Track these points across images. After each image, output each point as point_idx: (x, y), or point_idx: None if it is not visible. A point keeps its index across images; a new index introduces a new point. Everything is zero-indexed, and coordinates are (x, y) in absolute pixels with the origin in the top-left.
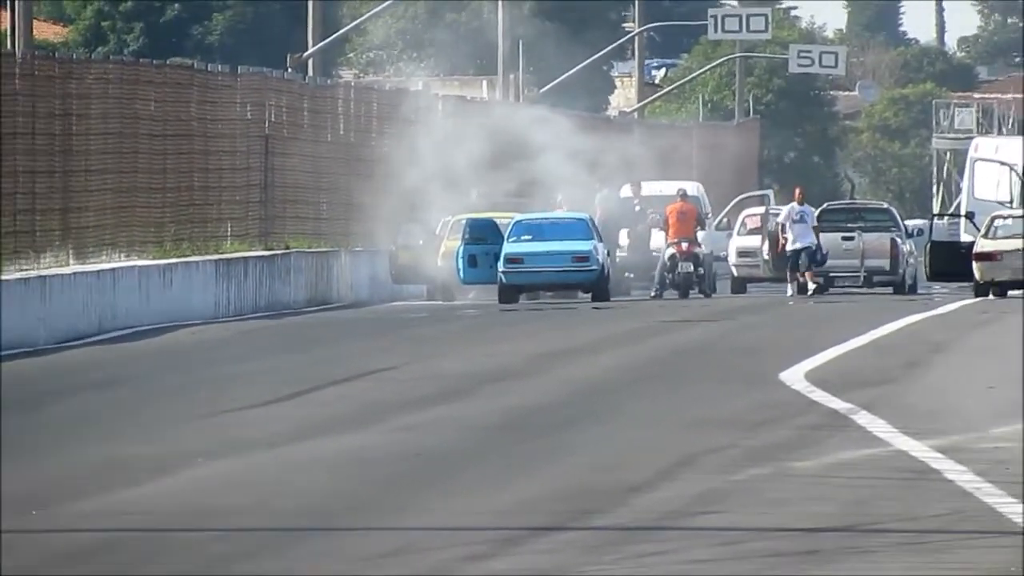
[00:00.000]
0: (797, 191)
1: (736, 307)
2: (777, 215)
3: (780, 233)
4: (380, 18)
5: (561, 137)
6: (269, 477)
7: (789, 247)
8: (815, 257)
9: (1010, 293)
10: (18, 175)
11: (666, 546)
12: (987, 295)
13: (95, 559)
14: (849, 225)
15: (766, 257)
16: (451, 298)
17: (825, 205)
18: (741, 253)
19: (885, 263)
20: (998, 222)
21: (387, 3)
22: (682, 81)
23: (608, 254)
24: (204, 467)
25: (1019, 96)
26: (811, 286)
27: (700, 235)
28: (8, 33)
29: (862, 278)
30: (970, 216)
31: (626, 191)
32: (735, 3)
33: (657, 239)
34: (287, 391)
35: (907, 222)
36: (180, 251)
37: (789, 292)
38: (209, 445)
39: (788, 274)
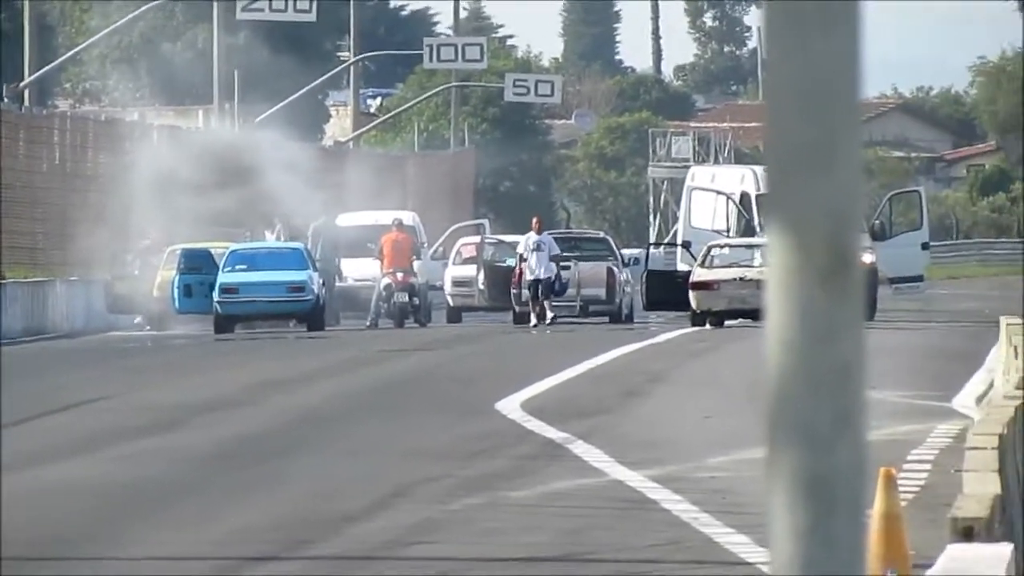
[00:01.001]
0: (535, 221)
1: (452, 336)
2: (494, 244)
3: (520, 263)
4: (95, 48)
5: (276, 166)
6: None
7: (529, 277)
8: (554, 287)
9: (727, 323)
10: None
11: (380, 575)
12: (704, 324)
13: None
14: (565, 254)
15: (481, 287)
16: (166, 328)
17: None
18: (456, 283)
19: (601, 292)
20: (715, 251)
21: (101, 34)
22: (397, 110)
23: (324, 283)
24: None
25: (735, 125)
26: (549, 315)
27: (416, 264)
28: None
29: (578, 307)
30: (687, 245)
31: (345, 219)
32: (451, 33)
33: (370, 268)
34: (5, 420)
35: (623, 251)
36: None
37: (533, 322)
38: None
39: (531, 304)
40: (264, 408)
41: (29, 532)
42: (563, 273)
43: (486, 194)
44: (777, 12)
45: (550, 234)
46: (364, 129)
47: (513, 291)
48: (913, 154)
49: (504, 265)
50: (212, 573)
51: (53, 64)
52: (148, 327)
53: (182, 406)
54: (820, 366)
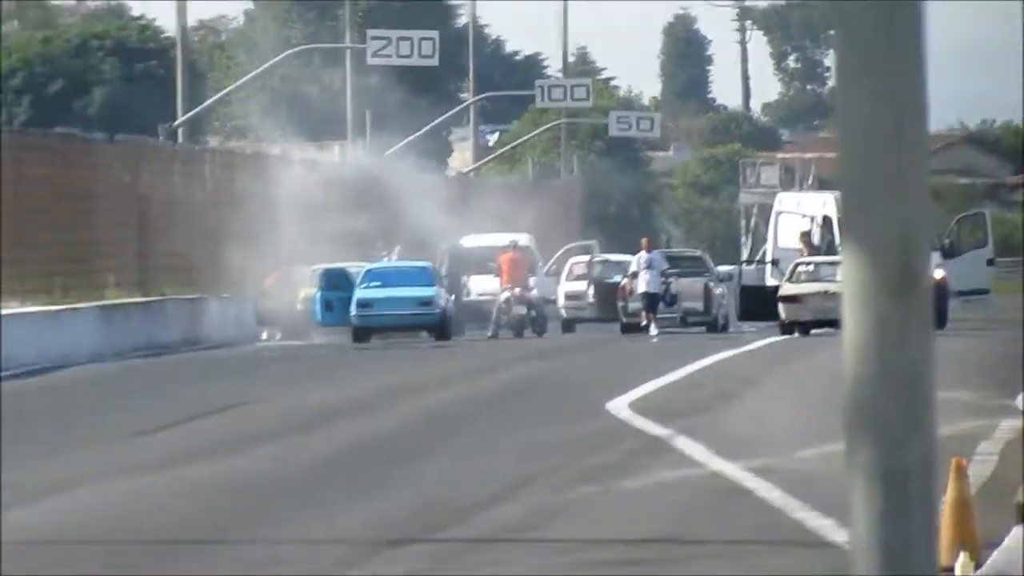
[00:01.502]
0: (645, 241)
1: (565, 345)
2: (602, 262)
3: (631, 278)
4: (242, 90)
5: (406, 194)
6: (149, 500)
7: (640, 290)
8: (664, 299)
9: (812, 331)
10: None
11: (506, 556)
12: (791, 333)
13: None
14: (670, 270)
15: (591, 300)
16: (308, 339)
17: None
18: (569, 296)
19: (699, 304)
20: (800, 268)
21: (246, 78)
22: (513, 144)
23: (450, 298)
24: (91, 490)
25: (819, 155)
26: (655, 328)
27: (532, 281)
28: None
29: (679, 319)
30: (775, 263)
31: (469, 241)
32: (560, 75)
33: (491, 284)
34: (163, 423)
35: (718, 268)
36: (67, 298)
37: (653, 331)
38: (95, 471)
39: (645, 314)
40: (397, 410)
41: (186, 522)
42: (671, 286)
43: (594, 218)
44: (847, 56)
45: (654, 252)
46: (483, 161)
47: (620, 304)
48: (978, 180)
49: (612, 281)
50: (353, 556)
51: (204, 105)
52: (277, 338)
53: (324, 409)
54: (892, 370)
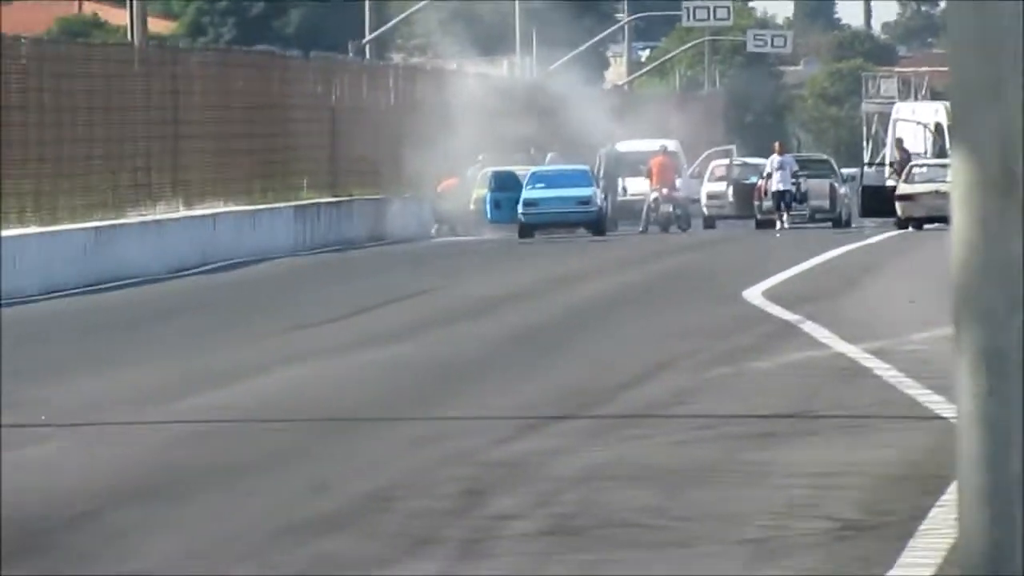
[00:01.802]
0: (777, 145)
1: (707, 240)
2: (740, 165)
3: (766, 179)
4: (421, 12)
5: (569, 104)
6: (337, 377)
7: (772, 189)
8: (795, 197)
9: (925, 227)
10: (137, 141)
11: (650, 431)
12: (907, 228)
13: (193, 445)
14: (799, 172)
15: (731, 199)
16: (480, 235)
17: None
18: (711, 196)
19: (826, 203)
20: (915, 170)
21: (426, 0)
22: (662, 59)
23: (606, 197)
24: (285, 371)
25: (932, 69)
26: (785, 223)
27: (678, 182)
28: (129, 26)
29: (807, 215)
30: (893, 165)
31: (623, 146)
32: None
33: (642, 185)
34: (349, 311)
35: (843, 170)
36: (265, 198)
37: (778, 226)
38: (293, 352)
39: (776, 211)
40: (557, 299)
41: (368, 400)
42: (800, 185)
43: (733, 125)
44: None
45: (786, 155)
46: (636, 75)
47: (756, 203)
48: None
49: (748, 182)
50: (512, 432)
51: (389, 24)
52: (454, 234)
53: (492, 298)
54: (993, 259)
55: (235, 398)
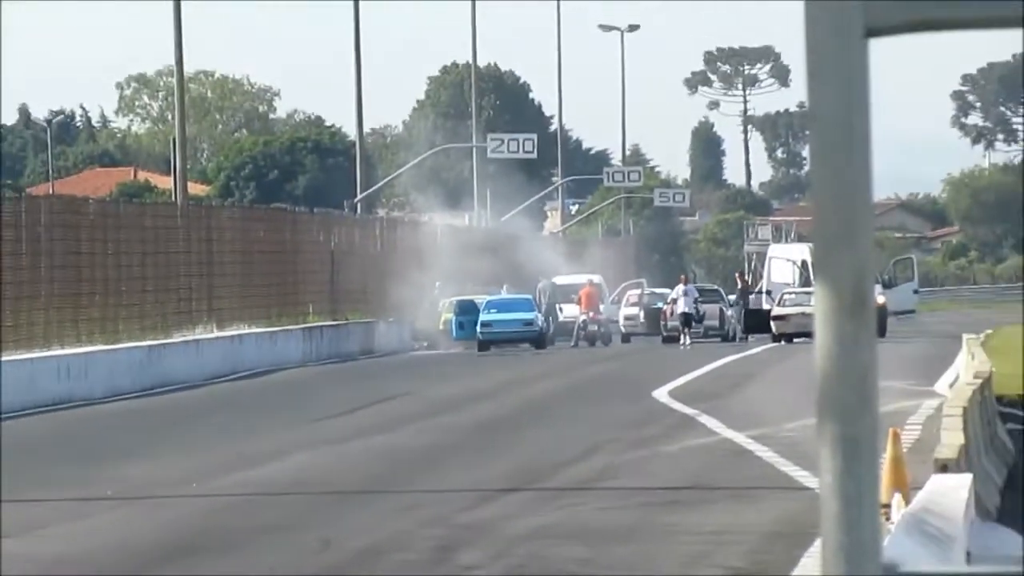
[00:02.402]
0: (683, 276)
1: (624, 352)
2: (649, 294)
3: (671, 304)
4: (402, 177)
5: (515, 247)
6: (339, 460)
7: (679, 311)
8: (697, 319)
9: (795, 340)
10: (180, 277)
11: (583, 500)
12: (780, 342)
13: (228, 513)
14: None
15: (642, 320)
16: (448, 349)
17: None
18: (627, 318)
19: (716, 323)
20: (786, 296)
21: (405, 168)
22: (588, 212)
23: (546, 319)
24: (300, 456)
25: (798, 218)
26: (688, 339)
27: (601, 307)
28: (173, 189)
29: (703, 332)
30: (768, 293)
31: (559, 279)
32: (620, 163)
33: (574, 310)
34: (348, 408)
35: (729, 297)
36: (280, 322)
37: (685, 341)
38: (305, 441)
39: (681, 329)
40: (508, 398)
41: (365, 477)
42: (700, 309)
43: (643, 263)
44: (817, 149)
45: (689, 285)
46: (568, 224)
47: (662, 322)
48: (908, 235)
49: (656, 307)
50: (475, 501)
51: (375, 187)
52: (427, 348)
53: (456, 397)
54: (850, 367)
55: (259, 476)
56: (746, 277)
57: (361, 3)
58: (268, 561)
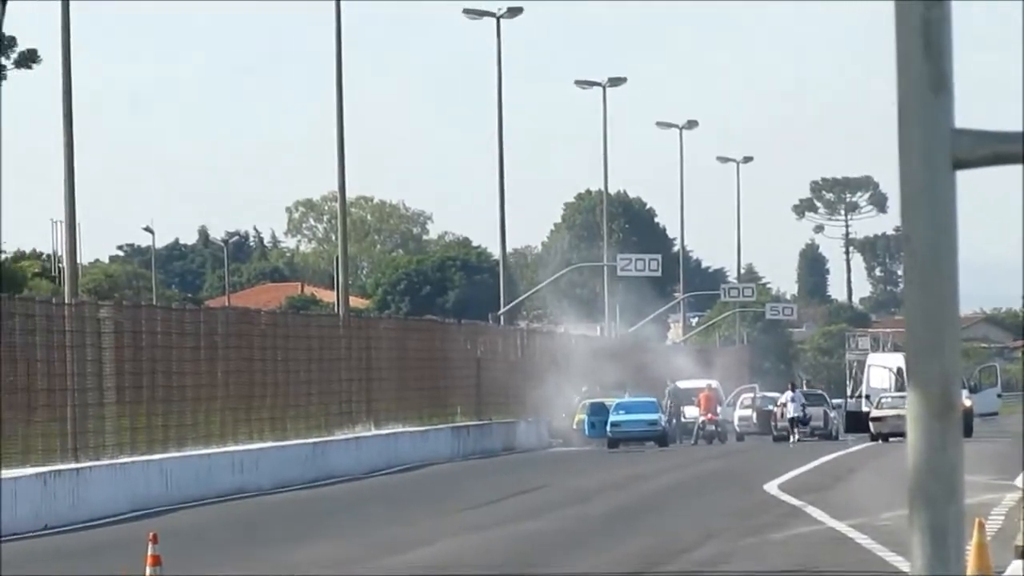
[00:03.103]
0: (791, 384)
1: (738, 449)
2: (761, 397)
3: (782, 407)
4: (540, 291)
5: (642, 355)
6: (484, 545)
7: (789, 415)
8: (804, 420)
9: (890, 439)
10: (342, 382)
11: None
12: (878, 441)
13: None
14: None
15: (755, 421)
16: (581, 446)
17: None
18: (741, 419)
19: (821, 423)
20: (883, 399)
21: (543, 284)
22: (707, 324)
23: (670, 420)
24: (450, 540)
25: (894, 330)
26: (796, 437)
27: (718, 409)
28: (336, 303)
29: (809, 432)
30: (868, 397)
31: (681, 384)
32: (735, 281)
33: (694, 411)
34: (492, 499)
35: (833, 400)
36: (431, 421)
37: (792, 439)
38: (453, 528)
39: (790, 429)
40: (636, 489)
41: (514, 560)
42: (806, 412)
43: (756, 370)
44: (910, 271)
45: (797, 391)
46: (688, 335)
47: (773, 423)
48: (992, 344)
49: (767, 409)
50: None
51: (516, 300)
52: (562, 445)
53: (588, 489)
54: (938, 466)
55: (412, 559)
56: (846, 384)
57: (505, 138)
58: None
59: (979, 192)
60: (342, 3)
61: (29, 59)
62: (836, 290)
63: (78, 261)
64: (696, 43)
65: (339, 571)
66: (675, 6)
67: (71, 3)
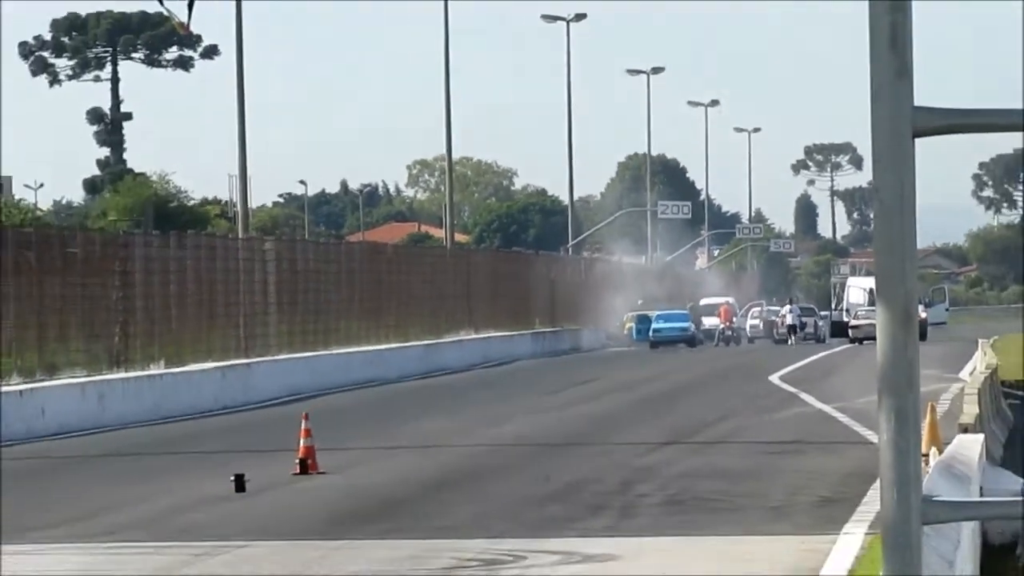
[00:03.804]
0: (789, 300)
1: (749, 350)
2: (766, 310)
3: (782, 318)
4: (600, 230)
5: (676, 277)
6: (556, 422)
7: (787, 323)
8: (799, 328)
9: (864, 343)
10: (447, 299)
11: (722, 450)
12: (855, 344)
13: (482, 457)
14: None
15: (761, 328)
16: (629, 347)
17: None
18: (751, 326)
19: (812, 330)
20: (859, 312)
21: (601, 224)
22: (726, 255)
23: (696, 327)
24: (527, 418)
25: (867, 260)
26: (793, 340)
27: (734, 319)
28: (445, 238)
29: (803, 337)
30: (847, 310)
31: (704, 300)
32: (747, 222)
33: (715, 320)
34: (560, 388)
35: (821, 312)
36: (516, 328)
37: (790, 342)
38: (533, 409)
39: (788, 334)
40: (671, 379)
41: (574, 433)
42: (801, 321)
43: (762, 290)
44: (878, 209)
45: (794, 304)
46: (711, 263)
47: (775, 330)
48: (942, 271)
49: (771, 319)
50: (646, 451)
51: (581, 237)
52: (615, 347)
53: (636, 379)
54: (900, 362)
55: (502, 432)
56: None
57: (573, 109)
58: (506, 491)
59: (936, 152)
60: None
61: (211, 52)
62: (824, 229)
63: (248, 206)
64: (727, 38)
65: (448, 441)
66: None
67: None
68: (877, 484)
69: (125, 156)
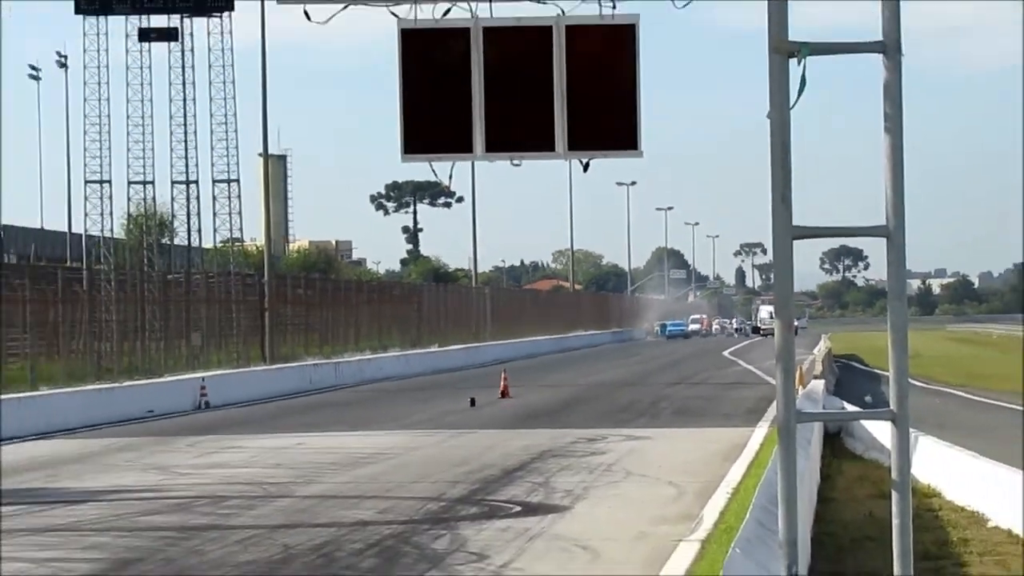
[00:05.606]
0: (733, 316)
1: (715, 341)
2: (726, 321)
3: (730, 324)
4: (642, 282)
5: (677, 305)
6: (609, 377)
7: (733, 328)
8: (738, 330)
9: (768, 336)
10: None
11: (696, 386)
12: (764, 337)
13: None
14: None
15: (720, 330)
16: (656, 339)
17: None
18: (715, 330)
19: (743, 330)
20: (765, 321)
21: (642, 282)
22: (703, 296)
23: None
24: (588, 378)
25: (770, 297)
26: (736, 336)
27: (712, 326)
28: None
29: (740, 334)
30: (760, 320)
31: (693, 316)
32: (712, 280)
33: (698, 326)
34: (621, 360)
35: (747, 322)
36: (604, 328)
37: (734, 337)
38: (592, 372)
39: (733, 333)
40: (675, 354)
41: (618, 380)
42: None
43: (720, 311)
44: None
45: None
46: (696, 298)
47: (726, 331)
48: (803, 302)
49: (725, 325)
50: (663, 388)
51: (635, 286)
52: (649, 338)
53: (659, 355)
54: (786, 345)
55: (597, 379)
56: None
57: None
58: (599, 405)
59: (801, 245)
60: None
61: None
62: (749, 282)
63: (476, 269)
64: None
65: (577, 381)
66: None
67: None
68: (774, 403)
69: None
